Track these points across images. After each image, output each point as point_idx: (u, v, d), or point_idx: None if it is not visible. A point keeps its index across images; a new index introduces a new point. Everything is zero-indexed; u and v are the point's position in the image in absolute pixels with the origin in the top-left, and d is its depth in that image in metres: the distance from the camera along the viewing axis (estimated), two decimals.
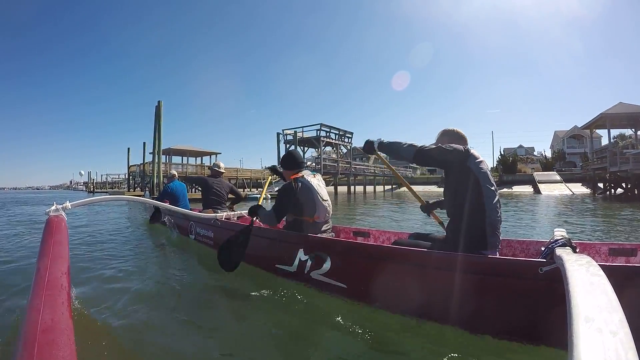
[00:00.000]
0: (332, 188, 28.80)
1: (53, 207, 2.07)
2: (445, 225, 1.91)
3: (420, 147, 1.79)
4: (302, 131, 26.34)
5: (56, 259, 1.46)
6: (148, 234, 5.24)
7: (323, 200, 2.42)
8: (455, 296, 1.58)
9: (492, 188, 1.70)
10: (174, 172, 5.83)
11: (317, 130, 27.23)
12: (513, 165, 35.96)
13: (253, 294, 2.30)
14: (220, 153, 31.80)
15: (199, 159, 32.64)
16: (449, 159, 1.73)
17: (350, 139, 30.91)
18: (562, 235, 1.59)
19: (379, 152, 2.06)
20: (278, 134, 26.53)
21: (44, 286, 1.19)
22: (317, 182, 2.48)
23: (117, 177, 42.04)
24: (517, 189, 29.40)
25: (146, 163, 25.35)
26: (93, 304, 1.98)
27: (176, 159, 29.75)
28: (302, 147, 28.57)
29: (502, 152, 46.28)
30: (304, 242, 2.30)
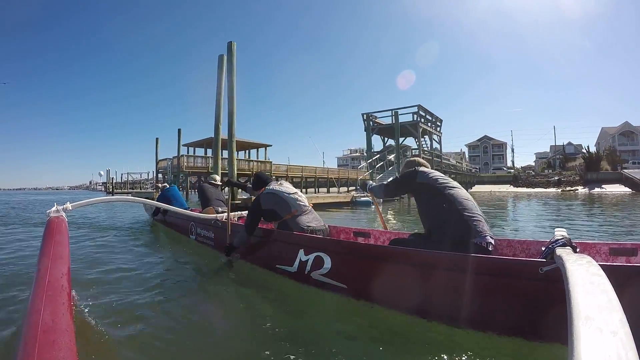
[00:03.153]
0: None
1: (53, 209, 2.07)
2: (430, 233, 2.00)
3: (386, 185, 2.30)
4: (394, 115, 20.07)
5: (56, 260, 1.47)
6: (149, 235, 5.24)
7: (289, 193, 2.66)
8: (456, 295, 1.59)
9: (450, 185, 1.95)
10: (165, 184, 6.07)
11: (414, 114, 21.01)
12: (597, 163, 31.33)
13: (254, 294, 2.30)
14: (271, 145, 25.18)
15: (241, 152, 24.51)
16: (403, 184, 2.17)
17: (440, 128, 24.94)
18: (562, 235, 1.59)
19: (368, 192, 2.53)
20: (369, 119, 21.35)
21: (45, 287, 1.19)
22: (278, 184, 2.79)
23: (138, 176, 38.41)
24: (609, 188, 24.89)
25: (181, 156, 18.80)
26: (94, 305, 1.98)
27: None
28: (382, 138, 22.61)
29: (565, 150, 42.73)
30: (304, 242, 2.30)
